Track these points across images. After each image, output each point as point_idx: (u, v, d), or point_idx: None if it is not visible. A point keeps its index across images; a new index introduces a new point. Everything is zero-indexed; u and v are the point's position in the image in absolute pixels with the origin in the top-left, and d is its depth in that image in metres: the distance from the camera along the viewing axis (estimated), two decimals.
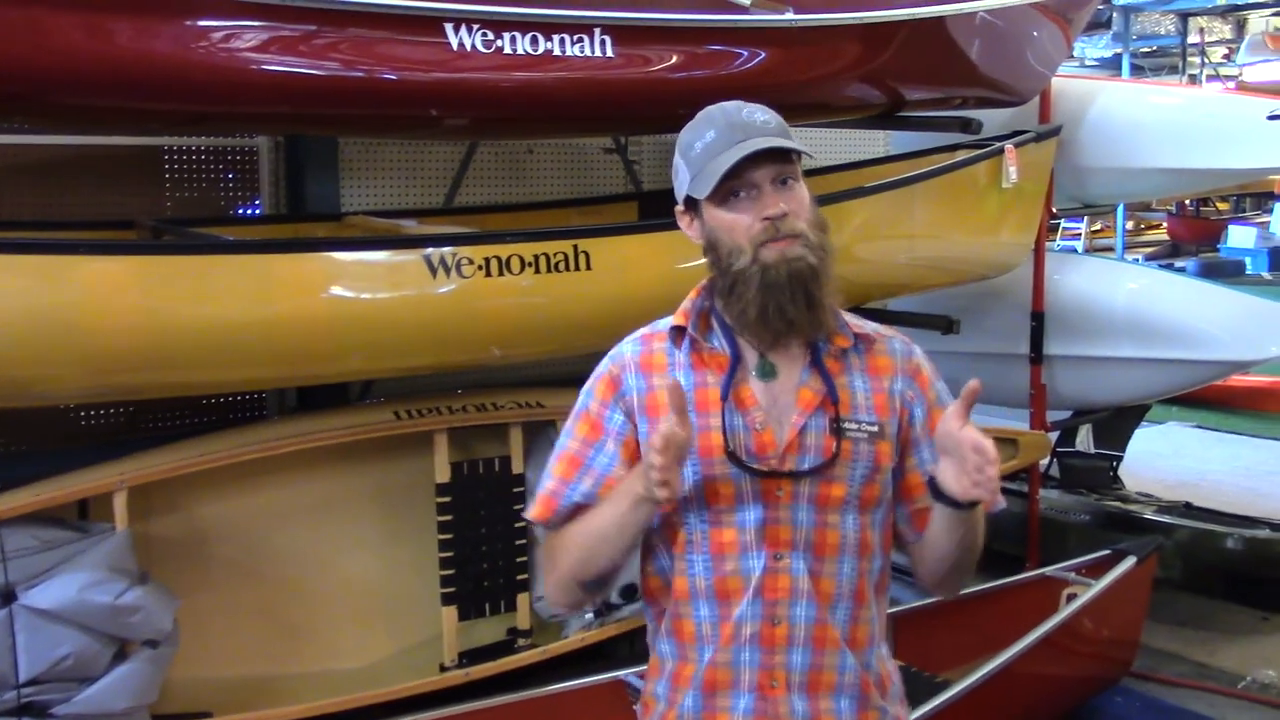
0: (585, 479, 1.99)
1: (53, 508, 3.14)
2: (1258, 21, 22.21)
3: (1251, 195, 23.15)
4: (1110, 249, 15.83)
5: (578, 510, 1.98)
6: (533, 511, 2.03)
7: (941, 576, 1.99)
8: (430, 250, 3.24)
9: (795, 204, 1.89)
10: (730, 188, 1.89)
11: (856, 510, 1.92)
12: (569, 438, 2.03)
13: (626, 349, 2.03)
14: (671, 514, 1.93)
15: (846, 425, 1.91)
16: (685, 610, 1.95)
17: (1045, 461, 5.77)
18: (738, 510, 1.90)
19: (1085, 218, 17.33)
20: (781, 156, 1.89)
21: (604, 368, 2.04)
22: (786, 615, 1.90)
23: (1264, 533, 5.62)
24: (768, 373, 1.94)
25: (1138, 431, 6.58)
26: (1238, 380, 9.27)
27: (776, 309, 1.87)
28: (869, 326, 2.02)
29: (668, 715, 1.98)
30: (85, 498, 3.23)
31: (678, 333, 1.99)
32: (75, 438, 3.94)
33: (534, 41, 3.32)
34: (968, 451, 1.72)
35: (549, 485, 2.02)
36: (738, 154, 1.86)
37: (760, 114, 1.93)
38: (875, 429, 1.93)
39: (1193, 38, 19.90)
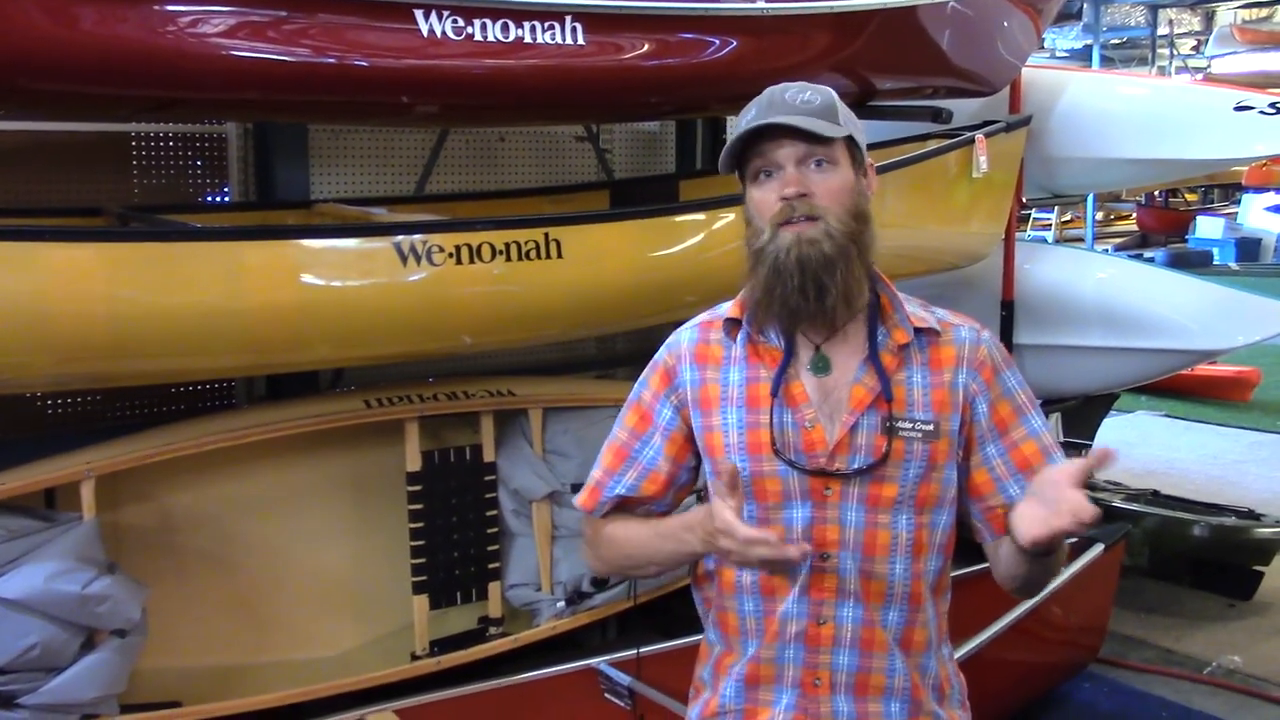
0: (629, 472, 2.00)
1: (19, 497, 3.11)
2: (1226, 14, 22.43)
3: (1220, 187, 23.42)
4: (1080, 239, 15.95)
5: (622, 502, 2.00)
6: (580, 500, 2.08)
7: (1014, 587, 1.96)
8: (400, 238, 3.22)
9: (824, 187, 1.84)
10: (759, 166, 1.87)
11: (911, 510, 1.89)
12: (619, 426, 2.05)
13: (684, 336, 2.02)
14: None
15: (900, 425, 1.87)
16: (730, 604, 1.96)
17: None
18: (785, 508, 1.88)
19: (1055, 208, 17.47)
20: (813, 136, 1.84)
21: (661, 356, 2.03)
22: (833, 615, 1.88)
23: (1230, 520, 5.69)
24: (821, 367, 1.90)
25: (1106, 420, 6.64)
26: (1205, 369, 9.39)
27: (780, 293, 1.83)
28: (936, 317, 1.97)
29: (711, 702, 2.00)
30: (52, 487, 3.19)
31: (733, 324, 1.96)
32: (41, 426, 3.90)
33: (505, 28, 3.30)
34: (1065, 513, 1.65)
35: (596, 475, 2.05)
36: (746, 128, 1.86)
37: (806, 94, 1.88)
38: (930, 428, 1.88)
39: (1162, 30, 20.07)
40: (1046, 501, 1.69)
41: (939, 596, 1.99)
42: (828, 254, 1.82)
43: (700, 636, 2.08)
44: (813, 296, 1.83)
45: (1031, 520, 1.69)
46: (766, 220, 1.86)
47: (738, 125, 1.92)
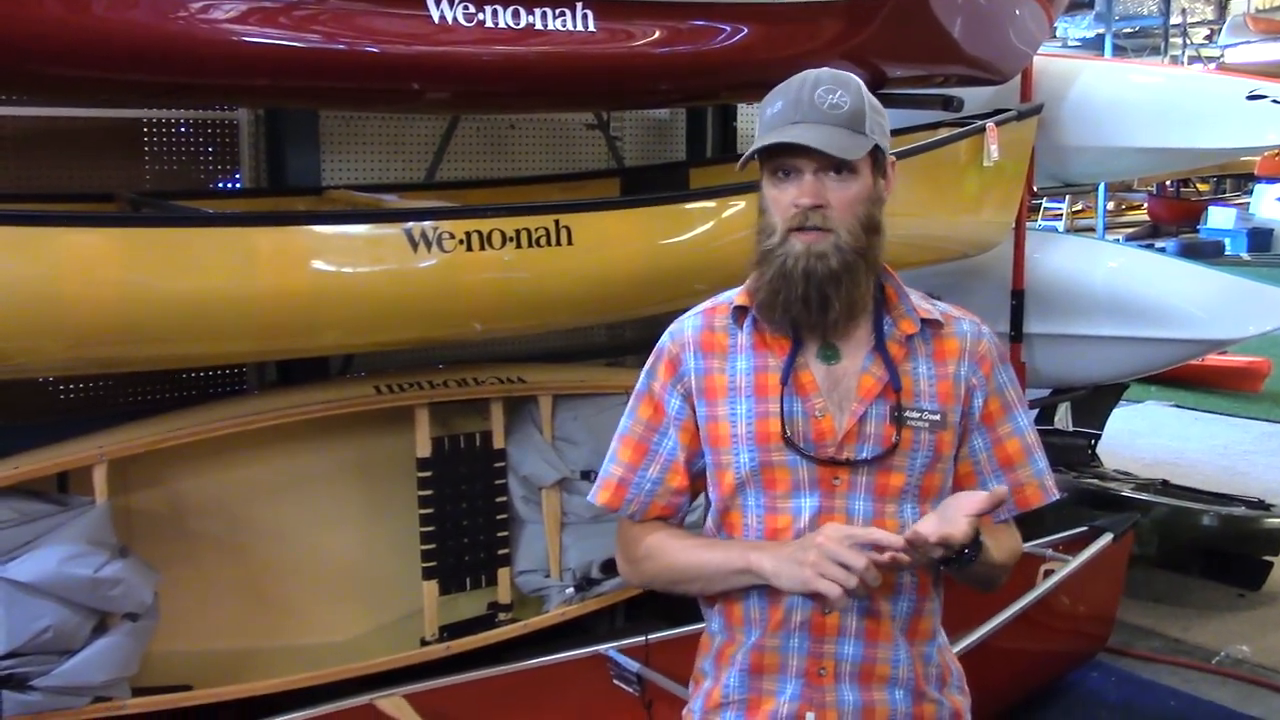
0: (652, 466, 1.98)
1: (31, 481, 3.13)
2: (1239, 3, 22.32)
3: (1232, 177, 23.32)
4: (1091, 229, 15.89)
5: (651, 502, 1.99)
6: (601, 497, 2.02)
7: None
8: (411, 224, 3.23)
9: (839, 198, 1.82)
10: (780, 165, 1.85)
11: (915, 500, 1.88)
12: (632, 419, 2.02)
13: (688, 324, 2.00)
14: (730, 498, 1.92)
15: (908, 414, 1.87)
16: (735, 593, 1.94)
17: None
18: (794, 497, 1.88)
19: (1067, 198, 17.41)
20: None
21: (664, 344, 2.01)
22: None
23: (1239, 510, 5.66)
24: (830, 356, 1.89)
25: (1116, 410, 6.63)
26: (1215, 360, 9.36)
27: (784, 300, 1.83)
28: (939, 308, 1.96)
29: (713, 691, 1.99)
30: (64, 471, 3.22)
31: (740, 312, 1.95)
32: (54, 411, 3.93)
33: (516, 15, 3.31)
34: (941, 530, 1.68)
35: (615, 471, 2.01)
36: (773, 139, 1.82)
37: (837, 96, 1.83)
38: (937, 418, 1.88)
39: (1175, 19, 19.96)
40: (945, 519, 1.72)
41: (939, 586, 1.99)
42: (834, 269, 1.82)
43: None
44: (815, 308, 1.83)
45: (923, 523, 1.73)
46: (780, 220, 1.85)
47: (762, 112, 1.90)
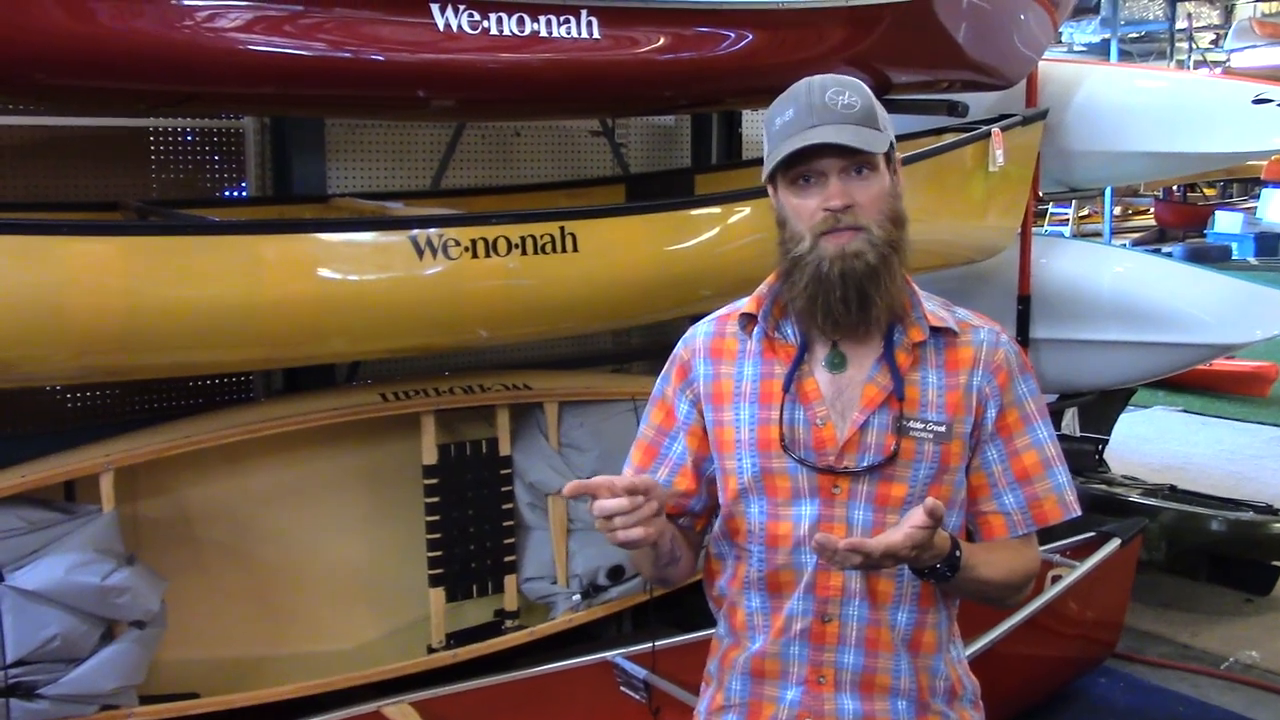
0: (661, 469, 2.00)
1: (39, 489, 3.13)
2: (1245, 7, 22.31)
3: (1239, 181, 23.24)
4: (1098, 234, 15.86)
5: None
6: None
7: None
8: (416, 231, 3.23)
9: (866, 196, 1.82)
10: (799, 172, 1.84)
11: None
12: (645, 424, 2.05)
13: (700, 331, 2.02)
14: (734, 503, 1.93)
15: (911, 424, 1.85)
16: (738, 598, 1.96)
17: None
18: (794, 504, 1.88)
19: (1073, 203, 17.38)
20: (860, 151, 1.82)
21: (677, 351, 2.03)
22: (838, 613, 1.88)
23: (1247, 515, 5.65)
24: (837, 364, 1.89)
25: (1123, 415, 6.62)
26: (1222, 364, 9.35)
27: (824, 304, 1.82)
28: (955, 317, 1.94)
29: (717, 695, 2.01)
30: (71, 479, 3.22)
31: (749, 319, 1.95)
32: (61, 419, 3.93)
33: (520, 23, 3.31)
34: (877, 540, 1.69)
35: (627, 474, 1.99)
36: (797, 144, 1.81)
37: (846, 96, 1.84)
38: (942, 429, 1.86)
39: (1180, 23, 19.95)
40: (899, 527, 1.72)
41: (949, 599, 1.97)
42: (872, 264, 1.81)
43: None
44: (855, 308, 1.82)
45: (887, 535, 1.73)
46: (806, 227, 1.84)
47: (771, 122, 1.89)
